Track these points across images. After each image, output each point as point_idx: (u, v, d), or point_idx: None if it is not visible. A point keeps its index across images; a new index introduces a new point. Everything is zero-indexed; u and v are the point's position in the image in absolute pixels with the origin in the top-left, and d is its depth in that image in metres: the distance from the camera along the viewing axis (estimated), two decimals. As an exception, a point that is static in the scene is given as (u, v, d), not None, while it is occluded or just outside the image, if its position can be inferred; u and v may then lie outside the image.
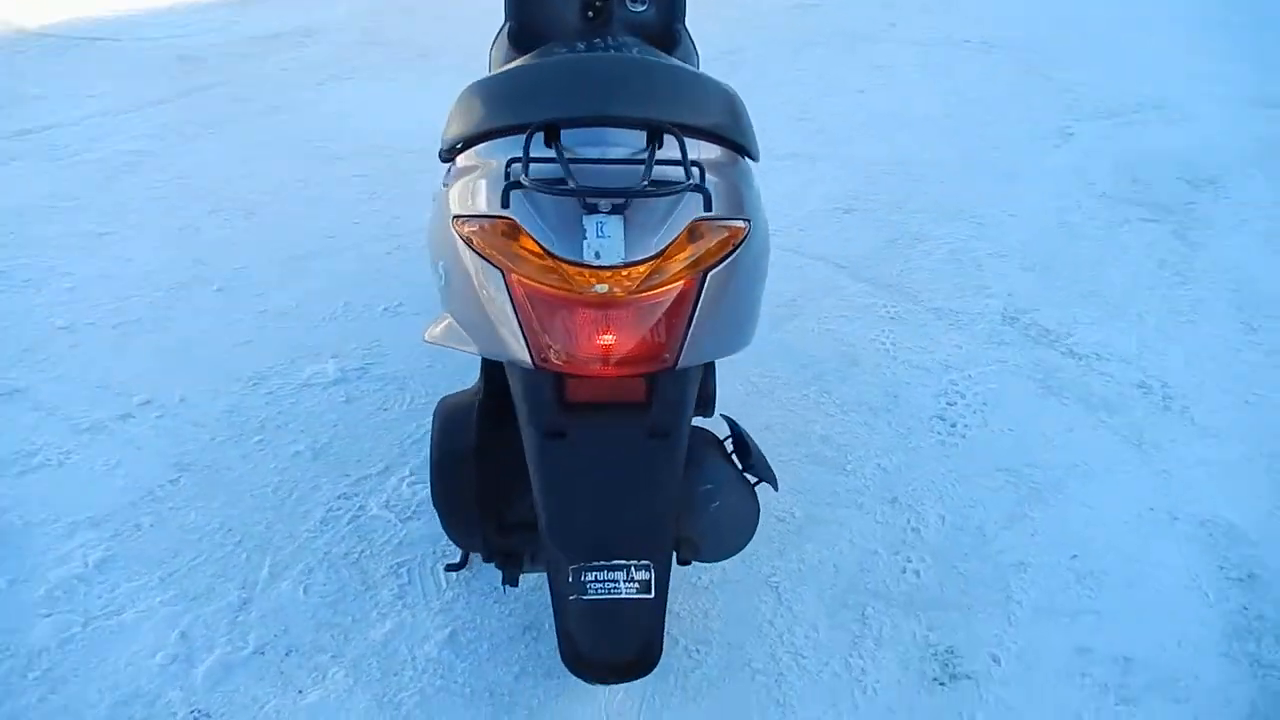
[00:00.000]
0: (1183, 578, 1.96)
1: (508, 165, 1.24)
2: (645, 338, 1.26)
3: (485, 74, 2.35)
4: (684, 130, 1.31)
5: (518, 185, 1.15)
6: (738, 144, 1.40)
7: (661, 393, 1.34)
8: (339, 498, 2.13)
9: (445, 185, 1.47)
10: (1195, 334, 2.80)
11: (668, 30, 2.25)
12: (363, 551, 1.99)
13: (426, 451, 2.12)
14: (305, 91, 4.49)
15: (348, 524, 2.06)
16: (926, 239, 3.26)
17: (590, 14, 2.14)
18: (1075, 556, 2.00)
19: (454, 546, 1.92)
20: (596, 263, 1.17)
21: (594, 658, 1.28)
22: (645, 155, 1.25)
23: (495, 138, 1.33)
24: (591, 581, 1.24)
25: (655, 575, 1.32)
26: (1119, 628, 1.84)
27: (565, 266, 1.18)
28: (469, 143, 1.37)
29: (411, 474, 2.20)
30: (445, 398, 1.61)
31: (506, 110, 1.33)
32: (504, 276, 1.21)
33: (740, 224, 1.32)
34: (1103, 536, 2.06)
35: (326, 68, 4.78)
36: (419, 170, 3.64)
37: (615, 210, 1.19)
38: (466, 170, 1.36)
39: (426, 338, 1.49)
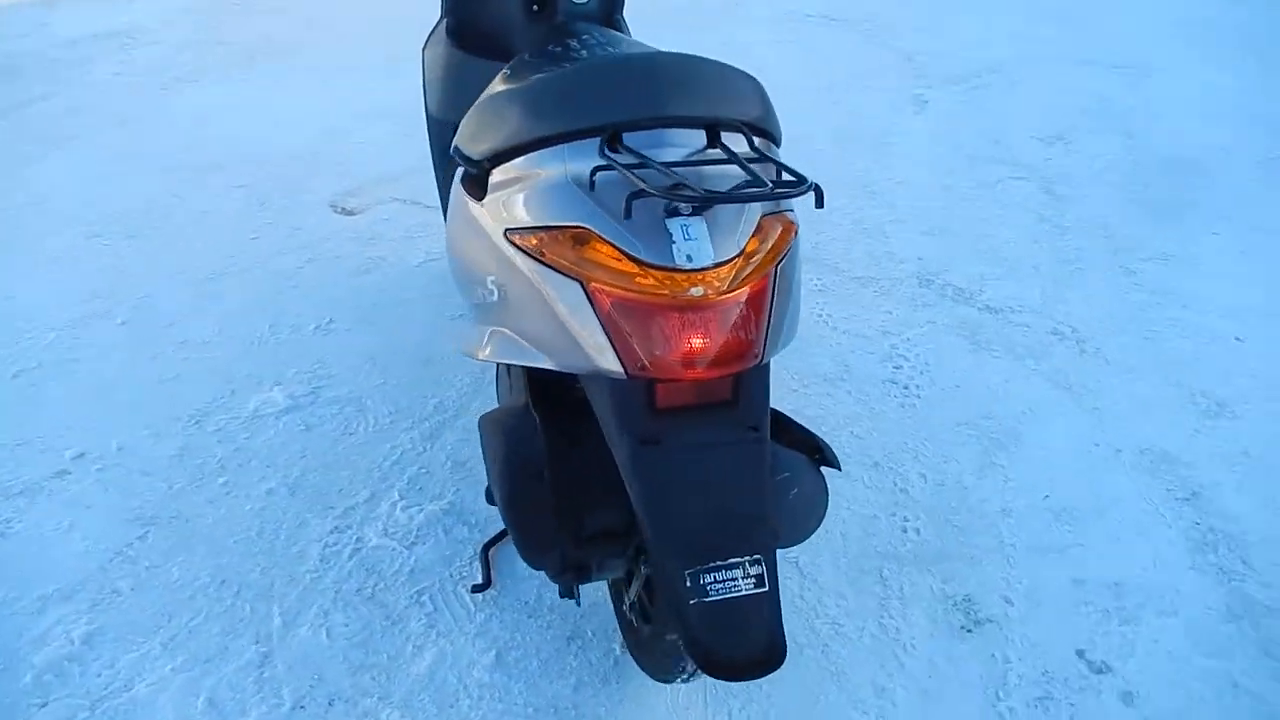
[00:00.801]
0: (1141, 503, 2.18)
1: (593, 173, 1.23)
2: (736, 336, 1.27)
3: (420, 74, 2.29)
4: (743, 125, 1.33)
5: (642, 193, 1.13)
6: (771, 133, 1.44)
7: (747, 388, 1.36)
8: (331, 532, 2.02)
9: (473, 198, 1.43)
10: (1086, 280, 3.08)
11: (609, 20, 2.24)
12: (376, 585, 1.91)
13: (411, 472, 2.08)
14: (150, 98, 4.14)
15: (350, 558, 1.96)
16: (829, 211, 3.41)
17: (535, 7, 2.10)
18: (1047, 496, 2.18)
19: (472, 568, 1.89)
20: (689, 266, 1.18)
21: (727, 657, 1.28)
22: (721, 155, 1.27)
23: (543, 147, 1.30)
24: (711, 583, 1.24)
25: (766, 567, 1.35)
26: (1102, 556, 2.03)
27: (654, 272, 1.18)
28: (510, 154, 1.34)
29: (401, 497, 2.12)
30: (490, 415, 1.57)
31: (556, 117, 1.30)
32: (583, 287, 1.20)
33: (792, 216, 1.37)
34: (1065, 475, 2.25)
35: (166, 70, 4.42)
36: (309, 177, 3.46)
37: (695, 212, 1.20)
38: (512, 181, 1.33)
39: (479, 356, 1.44)
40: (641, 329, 1.20)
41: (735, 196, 1.15)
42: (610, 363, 1.20)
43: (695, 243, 1.19)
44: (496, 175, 1.37)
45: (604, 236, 1.19)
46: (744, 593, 1.23)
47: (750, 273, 1.26)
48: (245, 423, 2.33)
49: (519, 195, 1.30)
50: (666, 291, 1.19)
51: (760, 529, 1.37)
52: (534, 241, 1.26)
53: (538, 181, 1.28)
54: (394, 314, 2.75)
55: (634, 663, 1.71)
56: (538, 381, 1.56)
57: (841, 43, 5.16)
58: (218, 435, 2.28)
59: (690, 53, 1.39)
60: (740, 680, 1.25)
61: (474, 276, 1.44)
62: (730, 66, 1.44)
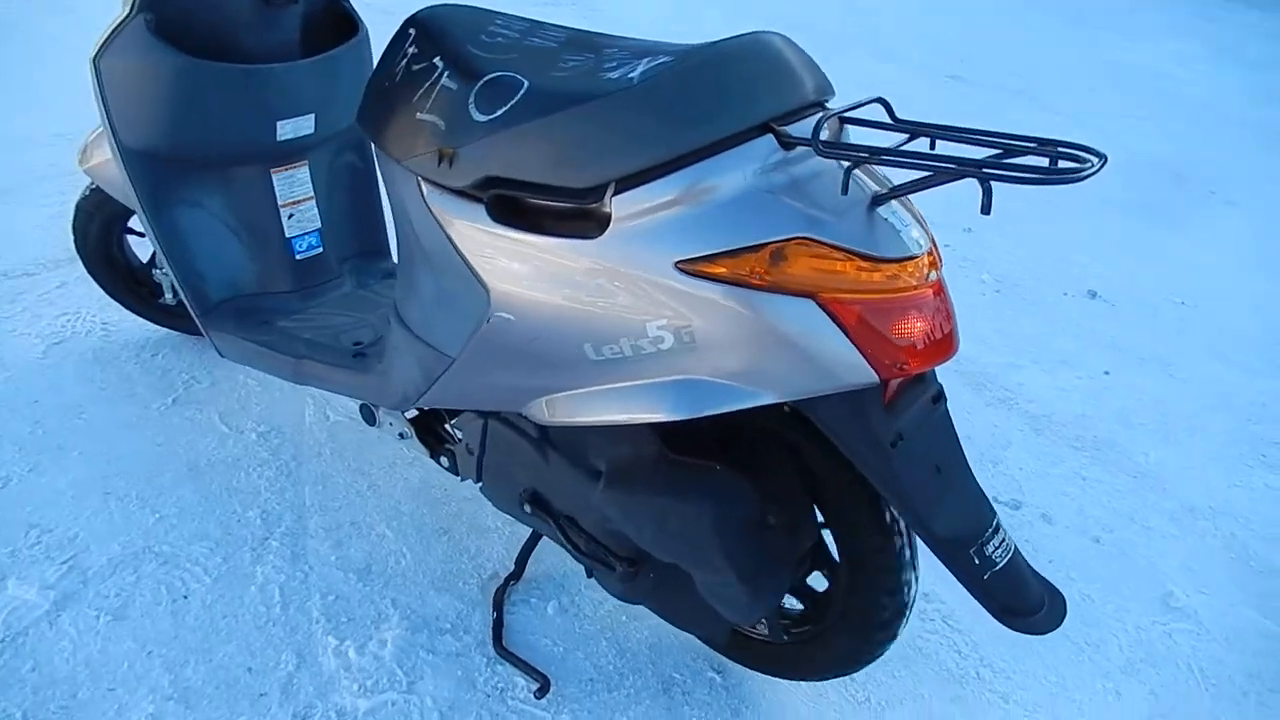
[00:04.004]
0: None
1: (800, 173, 1.09)
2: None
3: (95, 95, 1.66)
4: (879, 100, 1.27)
5: (924, 183, 1.02)
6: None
7: None
8: (293, 722, 1.44)
9: (570, 236, 1.15)
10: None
11: (337, 6, 1.91)
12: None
13: (320, 605, 1.65)
14: None
15: (351, 739, 1.42)
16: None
17: None
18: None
19: (502, 672, 1.54)
20: (920, 251, 1.12)
21: (1033, 608, 1.26)
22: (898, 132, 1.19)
23: (700, 158, 1.10)
24: (992, 552, 1.21)
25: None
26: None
27: (889, 266, 1.10)
28: (648, 175, 1.10)
29: (337, 639, 1.58)
30: (642, 475, 1.29)
31: (708, 121, 1.09)
32: (815, 301, 1.07)
33: None
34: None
35: None
36: None
37: (880, 200, 1.14)
38: (663, 206, 1.09)
39: (657, 417, 1.17)
40: (896, 328, 1.09)
41: (1061, 176, 1.01)
42: (860, 374, 1.07)
43: (910, 228, 1.12)
44: (626, 204, 1.11)
45: (830, 241, 1.06)
46: (1012, 550, 1.23)
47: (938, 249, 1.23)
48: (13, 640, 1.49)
49: (685, 218, 1.08)
50: (914, 282, 1.10)
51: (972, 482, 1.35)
52: (738, 266, 1.07)
53: (712, 198, 1.08)
54: (83, 425, 1.96)
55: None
56: (658, 427, 1.31)
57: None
58: (-25, 685, 1.43)
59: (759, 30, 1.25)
60: (1052, 629, 1.25)
61: (610, 329, 1.15)
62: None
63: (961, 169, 0.98)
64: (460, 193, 1.23)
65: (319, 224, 1.97)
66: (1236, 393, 2.58)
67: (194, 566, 1.70)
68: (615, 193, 1.10)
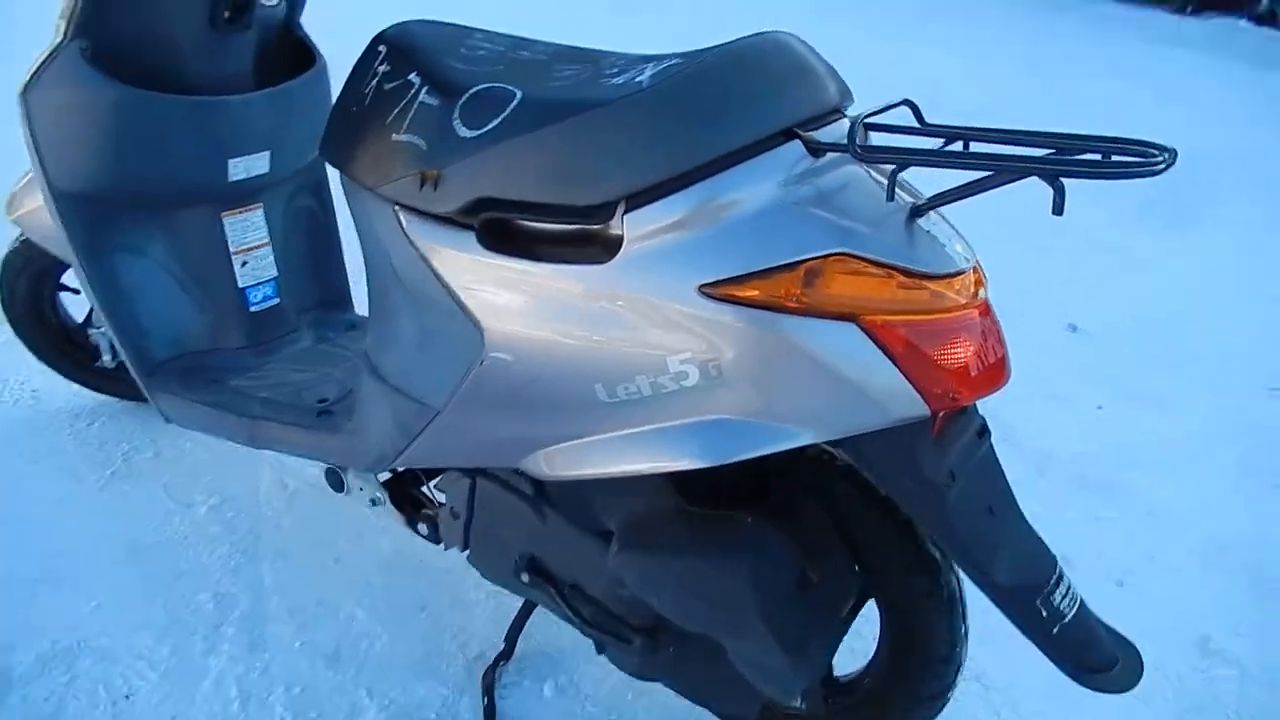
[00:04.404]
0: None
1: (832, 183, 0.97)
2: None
3: (24, 123, 1.50)
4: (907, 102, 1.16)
5: (977, 185, 0.91)
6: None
7: None
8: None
9: (579, 263, 1.02)
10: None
11: (290, 27, 1.78)
12: None
13: (285, 698, 1.41)
14: None
15: None
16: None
17: (228, 14, 1.57)
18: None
19: None
20: (966, 266, 1.01)
21: (1109, 663, 1.12)
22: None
23: (720, 169, 0.98)
24: (1059, 603, 1.08)
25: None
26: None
27: (935, 283, 0.98)
28: (662, 189, 0.98)
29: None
30: (663, 537, 1.14)
31: (729, 128, 0.98)
32: (858, 324, 0.95)
33: None
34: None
35: None
36: None
37: (920, 211, 1.03)
38: (681, 224, 0.97)
39: (679, 465, 1.02)
40: (946, 353, 0.98)
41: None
42: (910, 406, 0.95)
43: (954, 241, 1.02)
44: (639, 223, 0.98)
45: (871, 256, 0.94)
46: (1079, 601, 1.11)
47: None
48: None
49: (707, 237, 0.96)
50: (962, 300, 0.99)
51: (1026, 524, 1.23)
52: (771, 288, 0.94)
53: (737, 212, 0.96)
54: (8, 505, 1.75)
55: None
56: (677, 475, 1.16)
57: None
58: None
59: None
60: (1125, 689, 1.11)
61: (625, 365, 1.01)
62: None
63: (1027, 166, 0.87)
64: (446, 219, 1.09)
65: (275, 272, 1.80)
66: (1235, 421, 2.51)
67: (137, 661, 1.49)
68: (626, 210, 0.98)
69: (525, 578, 1.28)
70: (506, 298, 1.06)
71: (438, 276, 1.10)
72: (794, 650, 1.07)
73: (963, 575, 1.17)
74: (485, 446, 1.17)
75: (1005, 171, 0.88)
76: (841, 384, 0.95)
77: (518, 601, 1.55)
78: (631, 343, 1.00)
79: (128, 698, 1.42)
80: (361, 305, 1.86)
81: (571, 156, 1.00)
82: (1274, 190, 4.46)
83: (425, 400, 1.21)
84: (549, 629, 1.61)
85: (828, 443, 1.03)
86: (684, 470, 1.08)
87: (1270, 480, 2.25)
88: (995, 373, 1.02)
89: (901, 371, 0.94)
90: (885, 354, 0.94)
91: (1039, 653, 1.68)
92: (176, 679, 1.46)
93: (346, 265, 1.95)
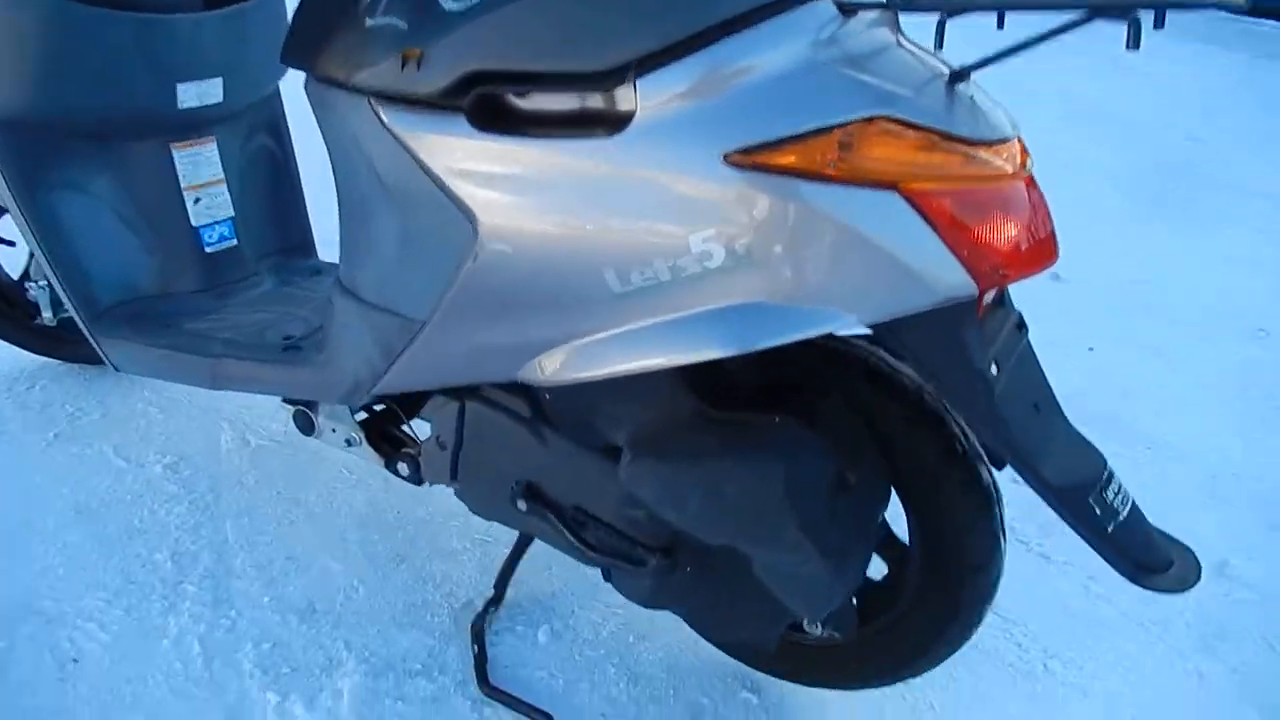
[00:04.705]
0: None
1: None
2: None
3: None
4: None
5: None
6: None
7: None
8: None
9: (580, 136, 0.92)
10: None
11: None
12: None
13: (252, 654, 1.32)
14: None
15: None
16: None
17: None
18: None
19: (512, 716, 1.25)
20: (1012, 134, 0.93)
21: (1165, 564, 1.04)
22: None
23: (741, 27, 0.89)
24: (1112, 500, 0.99)
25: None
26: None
27: (982, 149, 0.90)
28: (679, 50, 0.88)
29: (279, 695, 1.25)
30: (687, 440, 1.04)
31: None
32: (899, 192, 0.87)
33: None
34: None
35: None
36: None
37: (961, 75, 0.95)
38: (701, 88, 0.88)
39: (705, 355, 0.92)
40: (993, 225, 0.90)
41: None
42: (957, 283, 0.86)
43: (996, 108, 0.95)
44: (655, 88, 0.89)
45: (912, 120, 0.86)
46: (1131, 500, 1.03)
47: None
48: None
49: (731, 100, 0.87)
50: (1009, 169, 0.92)
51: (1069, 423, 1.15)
52: (808, 154, 0.86)
53: (764, 74, 0.87)
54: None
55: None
56: (680, 376, 1.06)
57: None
58: None
59: None
60: (1186, 589, 1.03)
61: (640, 248, 0.92)
62: None
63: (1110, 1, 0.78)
64: (429, 104, 0.99)
65: (231, 212, 1.67)
66: (1226, 361, 2.47)
67: (86, 623, 1.35)
68: (638, 76, 0.89)
69: (523, 505, 1.17)
70: (502, 182, 0.96)
71: (423, 167, 1.00)
72: (833, 556, 0.98)
73: (995, 476, 1.09)
74: (477, 358, 1.07)
75: (1094, 9, 0.79)
76: (884, 260, 0.86)
77: (505, 550, 1.44)
78: (647, 222, 0.90)
79: (75, 661, 1.29)
80: (327, 253, 1.74)
81: (575, 17, 0.91)
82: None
83: (408, 313, 1.10)
84: (541, 574, 1.50)
85: (867, 334, 0.94)
86: (707, 362, 0.99)
87: (1265, 415, 2.21)
88: (1044, 249, 0.94)
89: (947, 245, 0.86)
90: (929, 225, 0.86)
91: (1049, 586, 1.63)
92: (131, 640, 1.33)
93: (310, 212, 1.83)
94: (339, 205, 1.17)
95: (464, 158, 0.97)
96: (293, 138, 1.81)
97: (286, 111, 1.80)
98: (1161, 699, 1.38)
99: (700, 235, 0.88)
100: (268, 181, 1.75)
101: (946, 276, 0.86)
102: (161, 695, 1.25)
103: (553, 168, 0.93)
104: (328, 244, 1.52)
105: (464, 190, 0.98)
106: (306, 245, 1.83)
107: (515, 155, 0.95)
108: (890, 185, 0.85)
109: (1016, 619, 1.50)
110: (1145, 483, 1.87)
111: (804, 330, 0.89)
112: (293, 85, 1.79)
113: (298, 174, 1.82)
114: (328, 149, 1.14)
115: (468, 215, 0.98)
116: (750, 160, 0.86)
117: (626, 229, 0.91)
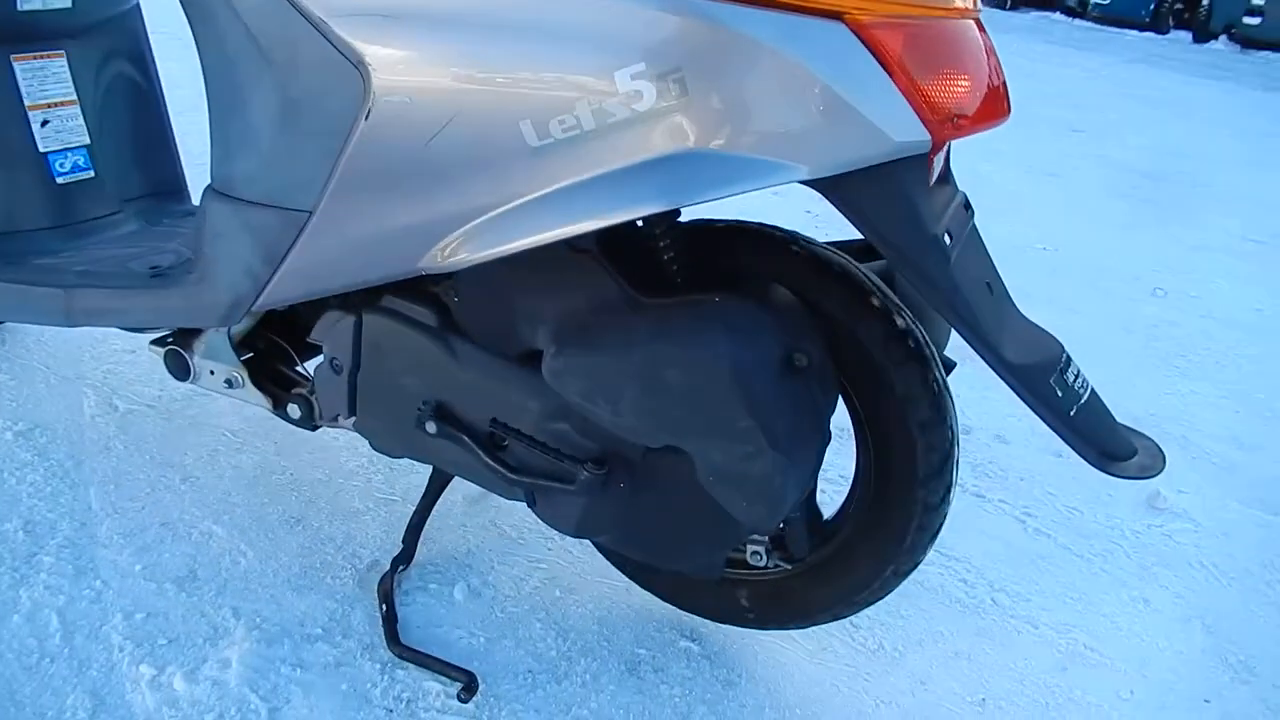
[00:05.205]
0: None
1: None
2: None
3: None
4: None
5: None
6: None
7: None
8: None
9: None
10: None
11: None
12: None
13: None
14: None
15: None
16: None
17: None
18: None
19: (427, 677, 1.12)
20: None
21: (1130, 451, 0.97)
22: None
23: None
24: (1074, 381, 0.93)
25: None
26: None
27: None
28: None
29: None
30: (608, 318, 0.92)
31: None
32: (845, 24, 0.79)
33: None
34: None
35: None
36: None
37: None
38: None
39: (639, 212, 0.82)
40: (946, 68, 0.82)
41: None
42: (909, 130, 0.79)
43: None
44: None
45: None
46: (1090, 386, 0.97)
47: None
48: None
49: None
50: (960, 4, 0.85)
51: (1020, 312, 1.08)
52: None
53: None
54: None
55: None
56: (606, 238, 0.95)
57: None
58: None
59: None
60: (1156, 474, 0.97)
61: (558, 93, 0.81)
62: None
63: None
64: None
65: (87, 139, 1.48)
66: (1128, 317, 2.50)
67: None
68: None
69: (432, 428, 1.03)
70: (395, 22, 0.84)
71: (302, 11, 0.86)
72: (784, 449, 0.88)
73: (947, 379, 1.01)
74: (373, 249, 0.93)
75: None
76: (832, 102, 0.77)
77: (411, 508, 1.30)
78: (567, 58, 0.79)
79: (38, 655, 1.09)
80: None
81: None
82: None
83: (291, 204, 0.96)
84: (455, 531, 1.37)
85: (816, 185, 0.84)
86: (635, 248, 0.88)
87: (1170, 364, 2.23)
88: (997, 100, 0.87)
89: (899, 89, 0.78)
90: (879, 64, 0.77)
91: (987, 522, 1.58)
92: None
93: (182, 159, 1.65)
94: (207, 91, 1.01)
95: None
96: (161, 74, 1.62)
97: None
98: (1110, 627, 1.33)
99: (628, 70, 0.78)
100: (129, 112, 1.56)
101: (900, 124, 0.78)
102: (12, 673, 1.06)
103: None
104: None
105: (351, 32, 0.85)
106: (179, 189, 1.64)
107: None
108: (835, 15, 0.77)
109: (960, 556, 1.44)
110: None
111: (747, 182, 0.79)
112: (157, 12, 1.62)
113: (166, 110, 1.63)
114: (188, 19, 0.98)
115: (357, 64, 0.85)
116: None
117: (542, 68, 0.80)
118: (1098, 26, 10.32)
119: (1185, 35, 10.50)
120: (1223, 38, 10.32)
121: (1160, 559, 1.49)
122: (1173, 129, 5.27)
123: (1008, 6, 11.70)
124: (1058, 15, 11.23)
